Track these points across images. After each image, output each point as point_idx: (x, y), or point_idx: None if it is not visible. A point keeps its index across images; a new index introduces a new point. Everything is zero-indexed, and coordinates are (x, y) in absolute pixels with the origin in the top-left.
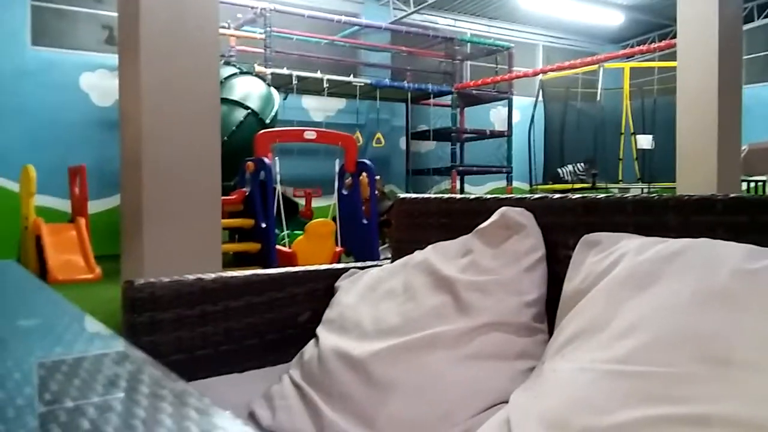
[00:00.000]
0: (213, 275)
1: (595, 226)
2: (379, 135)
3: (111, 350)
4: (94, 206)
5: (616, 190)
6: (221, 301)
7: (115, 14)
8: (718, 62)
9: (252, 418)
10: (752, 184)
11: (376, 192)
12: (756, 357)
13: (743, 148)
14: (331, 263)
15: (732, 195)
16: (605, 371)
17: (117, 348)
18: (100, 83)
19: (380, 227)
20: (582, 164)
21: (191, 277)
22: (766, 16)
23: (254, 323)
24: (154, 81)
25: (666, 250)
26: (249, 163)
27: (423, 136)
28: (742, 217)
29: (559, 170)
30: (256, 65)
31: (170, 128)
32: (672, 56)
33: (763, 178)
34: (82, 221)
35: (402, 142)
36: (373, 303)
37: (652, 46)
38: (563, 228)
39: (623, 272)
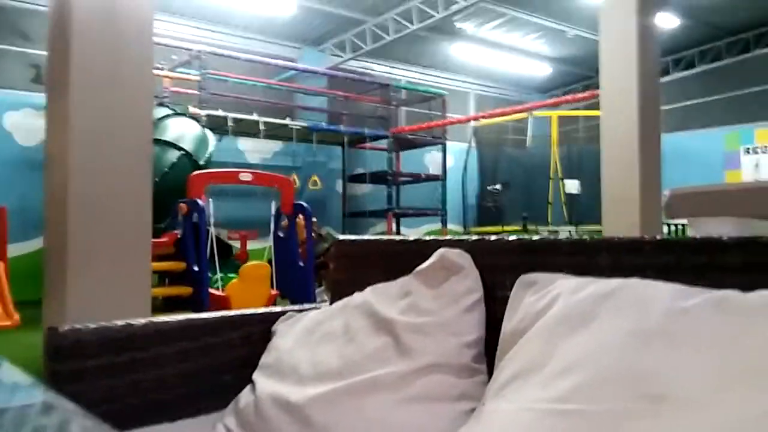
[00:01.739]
0: (143, 320)
1: (531, 267)
2: (315, 178)
3: (35, 400)
4: (15, 249)
5: (546, 233)
6: (152, 348)
7: (44, 52)
8: (639, 112)
9: None
10: (673, 227)
11: (313, 234)
12: (690, 393)
13: (665, 193)
14: (267, 307)
15: (659, 237)
16: (545, 411)
17: (41, 398)
18: (24, 122)
19: (317, 270)
20: (498, 186)
21: (119, 322)
22: (680, 70)
23: (187, 370)
24: (83, 120)
25: (600, 290)
26: (182, 204)
27: (359, 178)
28: (669, 257)
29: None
30: (190, 107)
31: (100, 167)
32: (596, 106)
33: (683, 221)
34: (1, 265)
35: (338, 185)
36: (312, 346)
37: (578, 95)
38: (501, 269)
39: (559, 312)
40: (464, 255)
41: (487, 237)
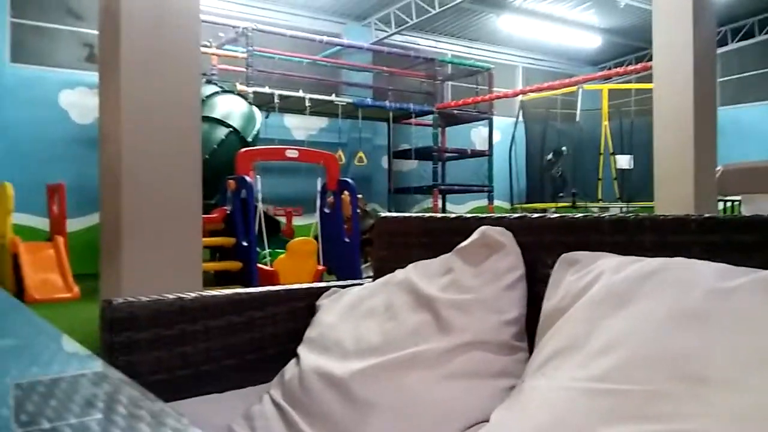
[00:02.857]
0: (193, 294)
1: (573, 245)
2: (361, 154)
3: (88, 370)
4: (73, 224)
5: (595, 210)
6: (201, 321)
7: (96, 32)
8: (693, 84)
9: None
10: (728, 204)
11: (359, 210)
12: (730, 375)
13: (718, 168)
14: (313, 282)
15: (706, 215)
16: (584, 389)
17: (94, 368)
18: (79, 101)
19: (362, 246)
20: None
21: (170, 296)
22: (739, 40)
23: (234, 343)
24: (134, 98)
25: (642, 269)
26: (230, 181)
27: (405, 155)
28: (716, 236)
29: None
30: (237, 84)
31: (151, 146)
32: (648, 78)
33: (738, 198)
34: (61, 240)
35: (384, 161)
36: (354, 322)
37: (629, 68)
38: (542, 247)
39: (601, 291)
40: (506, 233)
41: (529, 214)
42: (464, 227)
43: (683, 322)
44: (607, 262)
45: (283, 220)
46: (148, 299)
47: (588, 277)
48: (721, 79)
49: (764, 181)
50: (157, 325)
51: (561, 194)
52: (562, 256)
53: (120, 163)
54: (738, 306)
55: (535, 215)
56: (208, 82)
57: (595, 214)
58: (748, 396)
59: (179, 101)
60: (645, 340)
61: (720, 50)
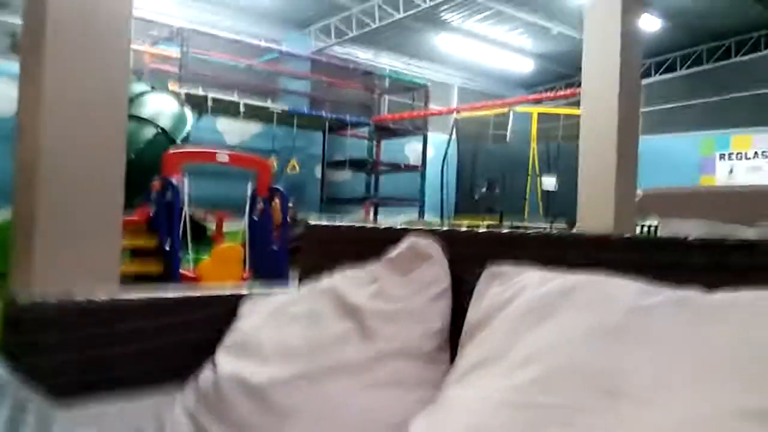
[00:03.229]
0: (105, 296)
1: (500, 258)
2: (294, 162)
3: None
4: None
5: (521, 227)
6: (113, 324)
7: (20, 21)
8: (618, 111)
9: None
10: (646, 229)
11: (289, 219)
12: (646, 392)
13: (638, 192)
14: None
15: (627, 234)
16: (503, 401)
17: None
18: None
19: (292, 254)
20: (485, 188)
21: (80, 297)
22: (662, 73)
23: (148, 348)
24: (57, 91)
25: (564, 284)
26: (156, 182)
27: (339, 165)
28: (635, 255)
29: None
30: (170, 84)
31: (71, 141)
32: (577, 104)
33: (655, 222)
34: None
35: (318, 171)
36: (276, 329)
37: (559, 93)
38: (470, 259)
39: (523, 304)
40: (433, 244)
41: (458, 228)
42: (393, 237)
43: (602, 337)
44: (531, 276)
45: (212, 225)
46: (56, 300)
47: (511, 290)
48: (645, 110)
49: (680, 206)
50: (65, 327)
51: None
52: (488, 268)
53: (37, 156)
54: (656, 323)
55: (464, 228)
56: (139, 80)
57: (521, 230)
58: (662, 413)
59: (105, 97)
60: (564, 354)
61: (644, 81)
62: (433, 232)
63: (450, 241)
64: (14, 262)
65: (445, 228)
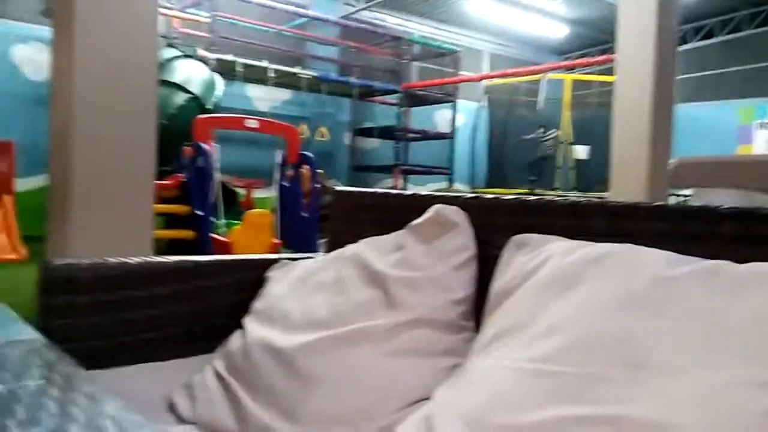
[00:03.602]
0: (137, 259)
1: (525, 228)
2: (323, 129)
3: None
4: (23, 184)
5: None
6: (145, 287)
7: None
8: (653, 79)
9: (172, 408)
10: (680, 198)
11: (318, 185)
12: (670, 361)
13: (671, 162)
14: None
15: (655, 203)
16: (526, 370)
17: (15, 332)
18: (33, 56)
19: (321, 221)
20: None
21: (113, 260)
22: (700, 39)
23: (180, 311)
24: (88, 56)
25: (590, 253)
26: (187, 148)
27: (368, 132)
28: (665, 224)
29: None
30: (199, 49)
31: (104, 106)
32: (610, 71)
33: (689, 192)
34: (8, 199)
35: (346, 138)
36: (303, 295)
37: (592, 59)
38: (495, 228)
39: (548, 274)
40: (459, 212)
41: (483, 195)
42: (419, 205)
43: (626, 307)
44: (557, 246)
45: (242, 191)
46: (89, 262)
47: (537, 259)
48: (680, 77)
49: (714, 175)
50: (97, 289)
51: (534, 178)
52: (513, 237)
53: (71, 123)
54: (680, 294)
55: (490, 196)
56: (169, 45)
57: (547, 198)
58: (684, 382)
59: (135, 62)
60: (588, 324)
61: (680, 48)
62: (458, 200)
63: (476, 209)
64: (50, 227)
65: (470, 195)
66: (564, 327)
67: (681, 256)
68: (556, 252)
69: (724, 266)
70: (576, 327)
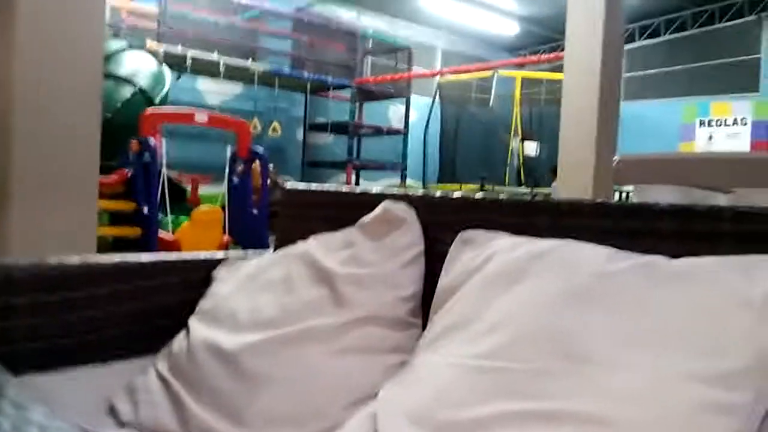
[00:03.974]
0: (77, 259)
1: (473, 224)
2: (275, 124)
3: None
4: None
5: (503, 194)
6: (86, 287)
7: None
8: (600, 77)
9: (112, 412)
10: (623, 195)
11: (269, 182)
12: (608, 355)
13: (615, 159)
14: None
15: (598, 200)
16: (470, 366)
17: None
18: None
19: (271, 218)
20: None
21: (52, 259)
22: (646, 38)
23: (121, 312)
24: (29, 48)
25: (534, 249)
26: (133, 142)
27: (321, 128)
28: (606, 221)
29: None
30: (148, 41)
31: (45, 98)
32: (560, 68)
33: (630, 188)
34: None
35: (299, 133)
36: (251, 294)
37: (542, 56)
38: (443, 224)
39: (493, 270)
40: (408, 209)
41: (431, 192)
42: (369, 202)
43: (569, 302)
44: (502, 242)
45: (188, 187)
46: (27, 262)
47: (482, 255)
48: (627, 75)
49: (655, 172)
50: (36, 290)
51: (484, 175)
52: (460, 234)
53: (10, 116)
54: (620, 288)
55: (438, 193)
56: (116, 36)
57: (494, 195)
58: (625, 376)
59: (79, 54)
60: (531, 319)
61: (627, 47)
62: (407, 197)
63: (424, 205)
64: None
65: (419, 192)
66: (508, 323)
67: (621, 251)
68: (501, 248)
69: (659, 261)
70: (519, 322)
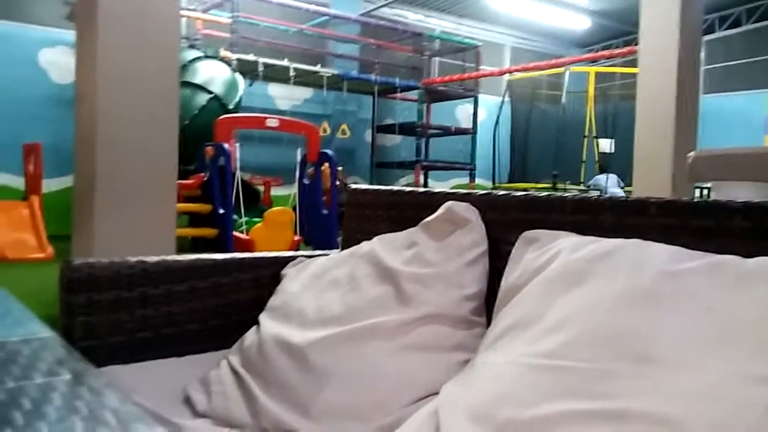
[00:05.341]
0: (156, 258)
1: (536, 224)
2: (344, 126)
3: (24, 332)
4: (50, 185)
5: (576, 191)
6: (163, 285)
7: None
8: (677, 71)
9: (187, 402)
10: (704, 192)
11: (338, 183)
12: (674, 356)
13: (689, 155)
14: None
15: (665, 198)
16: (532, 365)
17: (29, 330)
18: (59, 60)
19: (341, 218)
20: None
21: (133, 259)
22: (726, 29)
23: (197, 308)
24: (111, 59)
25: (598, 249)
26: (208, 148)
27: (389, 129)
28: (673, 219)
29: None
30: (221, 50)
31: (127, 108)
32: (634, 62)
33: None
34: (36, 199)
35: (368, 135)
36: (318, 292)
37: (615, 51)
38: (507, 224)
39: (557, 269)
40: (471, 209)
41: (495, 192)
42: (432, 202)
43: (633, 302)
44: (566, 241)
45: (262, 189)
46: (109, 261)
47: (546, 255)
48: (706, 67)
49: (734, 168)
50: (118, 287)
51: (557, 173)
52: (523, 233)
53: (95, 124)
54: (686, 288)
55: (501, 193)
56: (191, 47)
57: (558, 194)
58: (689, 377)
59: (157, 64)
60: (595, 319)
61: (706, 38)
62: (470, 197)
63: (487, 205)
64: (75, 225)
65: (482, 192)
66: (570, 322)
67: (688, 251)
68: (564, 247)
69: (731, 261)
70: (582, 322)
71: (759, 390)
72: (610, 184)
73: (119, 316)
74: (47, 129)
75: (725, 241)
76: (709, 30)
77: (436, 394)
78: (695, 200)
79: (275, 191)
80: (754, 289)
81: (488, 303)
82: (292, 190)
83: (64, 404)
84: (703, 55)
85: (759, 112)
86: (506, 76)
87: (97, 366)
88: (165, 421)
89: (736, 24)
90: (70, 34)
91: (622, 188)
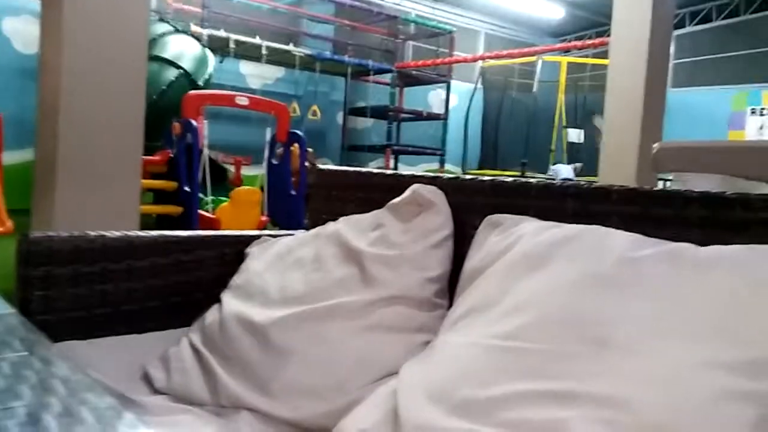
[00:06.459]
0: (117, 233)
1: (500, 209)
2: (315, 108)
3: None
4: (11, 157)
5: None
6: (124, 260)
7: None
8: (647, 63)
9: (146, 379)
10: (668, 183)
11: (307, 164)
12: (632, 341)
13: (654, 146)
14: None
15: (627, 186)
16: (490, 346)
17: None
18: (24, 29)
19: (309, 199)
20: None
21: (93, 233)
22: (696, 23)
23: (158, 285)
24: (77, 31)
25: (560, 234)
26: (176, 124)
27: (360, 112)
28: (634, 207)
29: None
30: (192, 25)
31: (92, 80)
32: (605, 54)
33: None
34: None
35: (339, 117)
36: (281, 271)
37: (588, 42)
38: (472, 208)
39: (519, 253)
40: (437, 192)
41: (461, 175)
42: (399, 185)
43: (592, 286)
44: (528, 226)
45: (231, 168)
46: (68, 234)
47: (509, 239)
48: (675, 62)
49: (697, 160)
50: (77, 262)
51: (525, 161)
52: (487, 217)
53: (58, 96)
54: (644, 274)
55: (468, 177)
56: (161, 20)
57: (523, 180)
58: (645, 360)
59: (125, 36)
60: (553, 303)
61: (676, 32)
62: (437, 180)
63: (454, 189)
64: (36, 199)
65: (449, 176)
66: (530, 305)
67: (647, 238)
68: (527, 232)
69: (687, 248)
70: (541, 305)
71: (711, 375)
72: (565, 173)
73: (78, 291)
74: (9, 100)
75: (682, 230)
76: (680, 24)
77: (397, 374)
78: (655, 189)
79: (245, 171)
80: (709, 277)
81: (451, 285)
82: (261, 170)
83: (13, 373)
84: (672, 49)
85: (723, 107)
86: (479, 63)
87: (55, 341)
88: (115, 393)
89: (707, 19)
90: (36, 2)
91: (575, 177)
